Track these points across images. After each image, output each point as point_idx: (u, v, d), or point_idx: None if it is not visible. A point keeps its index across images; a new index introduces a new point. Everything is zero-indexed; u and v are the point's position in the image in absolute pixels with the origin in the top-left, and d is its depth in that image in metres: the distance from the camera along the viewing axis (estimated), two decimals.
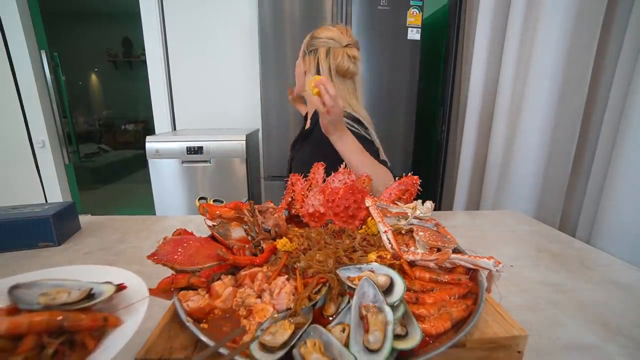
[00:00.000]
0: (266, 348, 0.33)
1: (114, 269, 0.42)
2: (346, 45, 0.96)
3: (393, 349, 0.33)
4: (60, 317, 0.32)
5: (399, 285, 0.39)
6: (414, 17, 1.55)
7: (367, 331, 0.33)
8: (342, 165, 0.70)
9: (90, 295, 0.36)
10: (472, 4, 1.65)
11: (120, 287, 0.37)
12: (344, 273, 0.43)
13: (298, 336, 0.35)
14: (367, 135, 0.94)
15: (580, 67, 1.12)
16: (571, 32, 1.13)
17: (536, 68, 1.21)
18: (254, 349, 0.33)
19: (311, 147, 0.99)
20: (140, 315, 0.34)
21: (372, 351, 0.32)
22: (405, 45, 1.58)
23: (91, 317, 0.33)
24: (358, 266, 0.45)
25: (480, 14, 1.51)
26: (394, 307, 0.37)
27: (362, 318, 0.35)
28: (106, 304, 0.36)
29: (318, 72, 0.96)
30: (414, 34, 1.58)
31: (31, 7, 2.17)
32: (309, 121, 1.11)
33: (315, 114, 1.03)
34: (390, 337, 0.33)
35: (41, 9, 2.26)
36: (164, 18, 2.19)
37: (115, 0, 4.15)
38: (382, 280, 0.40)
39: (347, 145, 0.83)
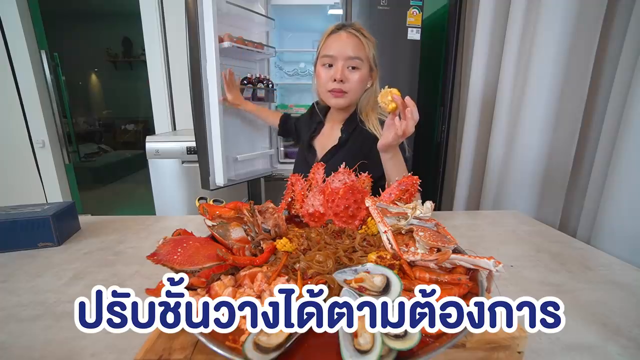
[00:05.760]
0: (260, 348, 0.33)
1: None
2: None
3: (392, 349, 0.33)
4: None
5: (396, 285, 0.39)
6: (414, 17, 1.55)
7: (356, 336, 0.34)
8: (342, 165, 0.70)
9: None
10: (472, 4, 1.65)
11: None
12: (340, 276, 0.43)
13: (293, 339, 0.35)
14: None
15: (580, 67, 1.12)
16: (571, 32, 1.13)
17: (536, 68, 1.21)
18: (248, 348, 0.33)
19: (345, 157, 0.98)
20: None
21: (363, 352, 0.32)
22: (405, 45, 1.58)
23: None
24: (354, 268, 0.45)
25: (480, 13, 1.51)
26: None
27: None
28: None
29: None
30: (414, 34, 1.58)
31: (31, 7, 2.17)
32: (331, 124, 1.11)
33: (350, 123, 1.03)
34: (379, 336, 0.33)
35: (41, 9, 2.25)
36: (164, 18, 2.19)
37: (115, 0, 4.15)
38: (378, 280, 0.40)
39: (396, 166, 0.83)
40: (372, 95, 1.02)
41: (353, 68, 0.96)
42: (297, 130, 1.30)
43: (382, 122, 0.99)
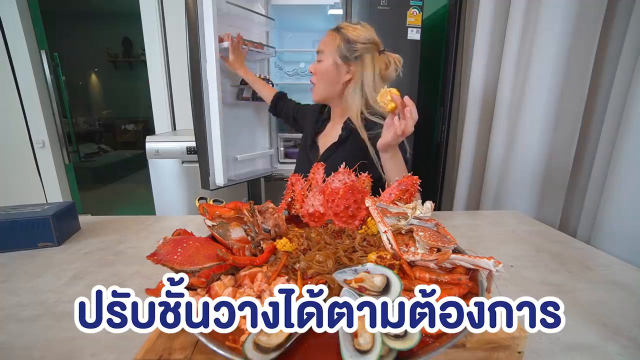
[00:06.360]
0: (260, 348, 0.33)
1: None
2: (383, 50, 1.00)
3: (392, 349, 0.33)
4: None
5: (396, 285, 0.39)
6: (414, 17, 1.55)
7: (356, 336, 0.34)
8: (342, 166, 0.70)
9: None
10: (472, 4, 1.65)
11: None
12: (340, 276, 0.43)
13: (293, 339, 0.35)
14: None
15: (580, 67, 1.12)
16: (571, 32, 1.13)
17: (536, 68, 1.21)
18: (248, 348, 0.33)
19: (346, 154, 0.99)
20: None
21: (363, 352, 0.32)
22: (405, 45, 1.58)
23: None
24: (354, 268, 0.45)
25: (480, 13, 1.51)
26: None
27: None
28: None
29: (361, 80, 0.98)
30: (414, 34, 1.58)
31: (31, 7, 2.17)
32: (334, 121, 1.10)
33: (350, 121, 1.02)
34: (378, 336, 0.33)
35: (41, 9, 2.25)
36: (164, 18, 2.19)
37: (115, 0, 4.15)
38: (378, 280, 0.40)
39: (396, 166, 0.83)
40: (356, 95, 0.98)
41: (319, 61, 1.02)
42: (295, 117, 1.29)
43: (370, 124, 0.98)
